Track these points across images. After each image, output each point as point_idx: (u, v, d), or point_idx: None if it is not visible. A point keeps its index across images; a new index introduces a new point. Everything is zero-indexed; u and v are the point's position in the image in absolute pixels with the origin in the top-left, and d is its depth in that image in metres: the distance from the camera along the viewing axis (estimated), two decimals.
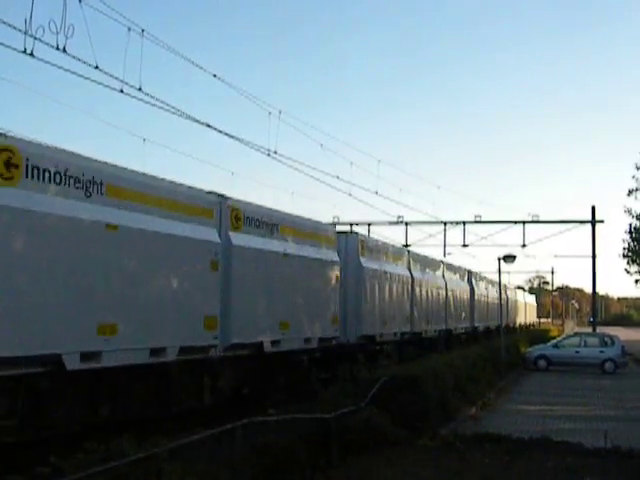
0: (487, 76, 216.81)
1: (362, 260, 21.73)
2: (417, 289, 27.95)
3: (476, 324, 39.73)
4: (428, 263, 31.24)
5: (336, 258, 19.95)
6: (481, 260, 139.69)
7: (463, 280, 38.37)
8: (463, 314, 36.55)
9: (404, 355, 24.91)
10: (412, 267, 27.81)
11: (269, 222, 16.33)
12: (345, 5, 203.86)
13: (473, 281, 40.27)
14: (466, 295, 37.89)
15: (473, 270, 41.63)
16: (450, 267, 35.48)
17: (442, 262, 34.37)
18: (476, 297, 39.98)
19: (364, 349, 21.52)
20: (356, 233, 23.02)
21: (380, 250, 24.09)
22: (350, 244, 21.71)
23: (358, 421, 12.15)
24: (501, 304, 33.46)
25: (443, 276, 33.33)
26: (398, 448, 12.34)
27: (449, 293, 33.28)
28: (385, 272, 23.65)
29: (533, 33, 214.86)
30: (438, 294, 31.50)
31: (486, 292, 43.87)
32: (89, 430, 11.53)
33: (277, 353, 16.50)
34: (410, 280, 27.15)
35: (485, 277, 45.36)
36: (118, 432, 8.23)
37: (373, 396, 13.24)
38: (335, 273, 19.71)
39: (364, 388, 13.68)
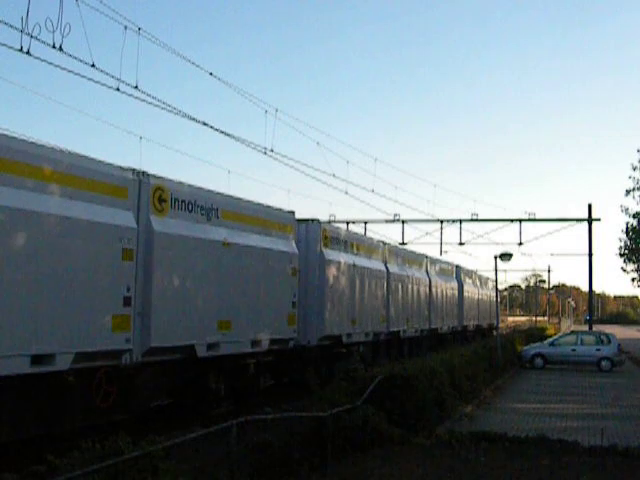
0: (484, 74, 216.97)
1: (324, 252, 19.87)
2: (393, 285, 26.09)
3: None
4: (402, 254, 29.04)
5: (293, 249, 17.73)
6: (477, 258, 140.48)
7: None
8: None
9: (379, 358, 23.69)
10: (388, 260, 26.09)
11: (206, 206, 14.21)
12: (341, 3, 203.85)
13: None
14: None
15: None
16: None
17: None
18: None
19: (328, 352, 20.28)
20: (318, 221, 20.10)
21: (347, 241, 22.03)
22: (311, 234, 19.75)
23: (354, 419, 12.14)
24: (497, 301, 33.42)
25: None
26: (394, 446, 12.34)
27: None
28: (354, 265, 21.81)
29: (533, 30, 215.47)
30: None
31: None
32: (85, 429, 11.53)
33: (214, 358, 14.45)
34: (386, 275, 25.30)
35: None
36: (114, 430, 8.22)
37: (369, 394, 13.24)
38: (292, 266, 17.49)
39: (360, 386, 13.67)
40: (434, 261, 34.92)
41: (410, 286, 28.56)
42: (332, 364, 20.37)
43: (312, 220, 19.95)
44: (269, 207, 17.08)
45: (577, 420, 16.75)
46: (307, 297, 19.14)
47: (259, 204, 16.59)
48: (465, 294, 40.24)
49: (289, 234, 17.76)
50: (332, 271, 20.00)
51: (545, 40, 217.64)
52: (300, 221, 19.30)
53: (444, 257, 40.15)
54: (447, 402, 16.18)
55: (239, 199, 15.73)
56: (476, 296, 44.45)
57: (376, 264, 24.35)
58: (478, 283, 46.45)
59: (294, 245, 17.88)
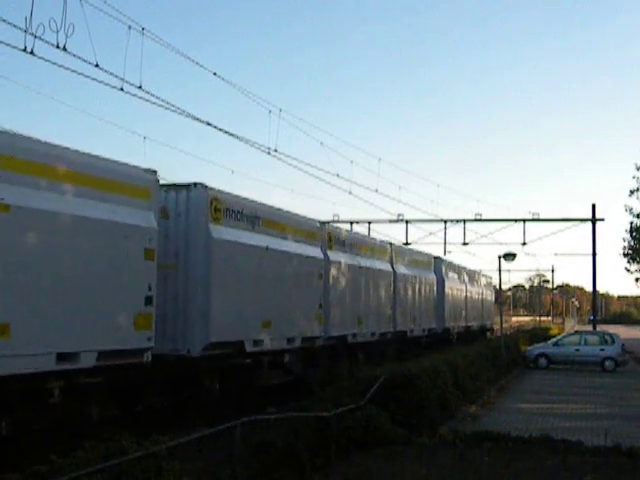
0: (484, 74, 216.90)
1: (213, 229, 14.62)
2: (336, 276, 21.10)
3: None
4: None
5: (150, 223, 12.56)
6: (482, 258, 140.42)
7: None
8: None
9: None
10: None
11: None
12: (342, 3, 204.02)
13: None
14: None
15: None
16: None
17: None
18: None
19: (221, 364, 15.37)
20: (203, 185, 14.56)
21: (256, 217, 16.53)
22: (193, 203, 14.50)
23: (357, 419, 12.15)
24: (501, 300, 33.40)
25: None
26: (397, 446, 12.33)
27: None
28: (267, 249, 16.62)
29: (533, 30, 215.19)
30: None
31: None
32: (88, 428, 11.54)
33: None
34: (324, 264, 20.24)
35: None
36: (118, 430, 8.22)
37: (372, 395, 13.24)
38: (146, 246, 12.42)
39: (363, 387, 13.67)
40: (402, 251, 30.10)
41: (363, 279, 23.37)
42: (227, 380, 15.76)
43: (195, 184, 14.52)
44: (97, 157, 11.68)
45: (581, 420, 16.73)
46: (188, 290, 14.33)
47: (82, 153, 11.36)
48: (447, 291, 35.56)
49: (145, 201, 12.58)
50: (226, 255, 14.94)
51: (545, 40, 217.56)
52: (175, 186, 14.58)
53: (448, 257, 39.60)
54: (450, 402, 16.20)
55: (33, 140, 10.54)
56: (463, 294, 39.96)
57: (308, 249, 19.12)
58: (466, 279, 41.74)
59: (153, 218, 12.72)
